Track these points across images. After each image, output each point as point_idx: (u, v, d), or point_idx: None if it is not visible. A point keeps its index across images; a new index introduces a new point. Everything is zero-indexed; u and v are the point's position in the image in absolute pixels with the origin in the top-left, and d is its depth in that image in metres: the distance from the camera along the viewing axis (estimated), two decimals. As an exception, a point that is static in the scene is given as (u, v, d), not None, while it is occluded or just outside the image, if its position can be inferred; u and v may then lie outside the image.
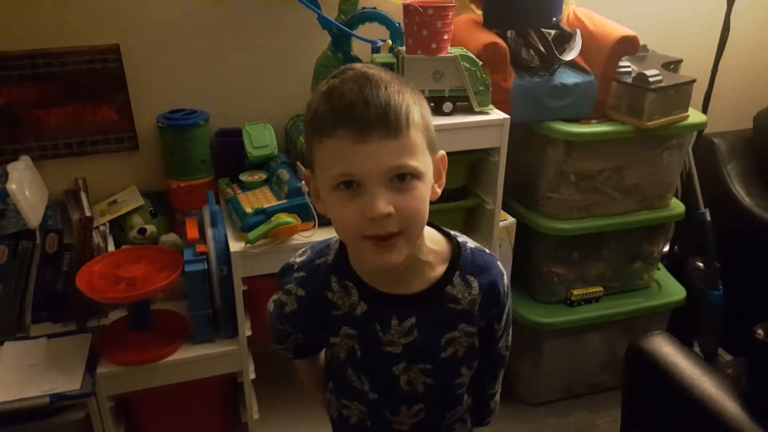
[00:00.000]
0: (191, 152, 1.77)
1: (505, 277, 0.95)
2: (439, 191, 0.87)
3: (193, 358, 1.60)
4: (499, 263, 0.95)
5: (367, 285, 0.90)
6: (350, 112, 0.76)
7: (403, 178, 0.78)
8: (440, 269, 0.91)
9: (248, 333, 1.61)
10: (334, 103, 0.78)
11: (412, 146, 0.78)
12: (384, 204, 0.76)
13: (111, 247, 1.71)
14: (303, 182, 1.59)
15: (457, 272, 0.90)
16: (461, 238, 0.95)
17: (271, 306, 1.01)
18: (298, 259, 0.97)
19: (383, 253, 0.80)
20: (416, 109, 0.79)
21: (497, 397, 1.10)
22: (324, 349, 1.05)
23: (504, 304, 0.95)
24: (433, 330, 0.91)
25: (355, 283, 0.91)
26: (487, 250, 0.96)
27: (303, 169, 0.91)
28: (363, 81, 0.78)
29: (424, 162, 0.80)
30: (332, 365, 0.99)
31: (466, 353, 0.93)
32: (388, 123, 0.76)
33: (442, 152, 0.87)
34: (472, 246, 0.94)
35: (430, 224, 0.90)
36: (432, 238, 0.91)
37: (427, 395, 0.94)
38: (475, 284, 0.91)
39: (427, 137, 0.81)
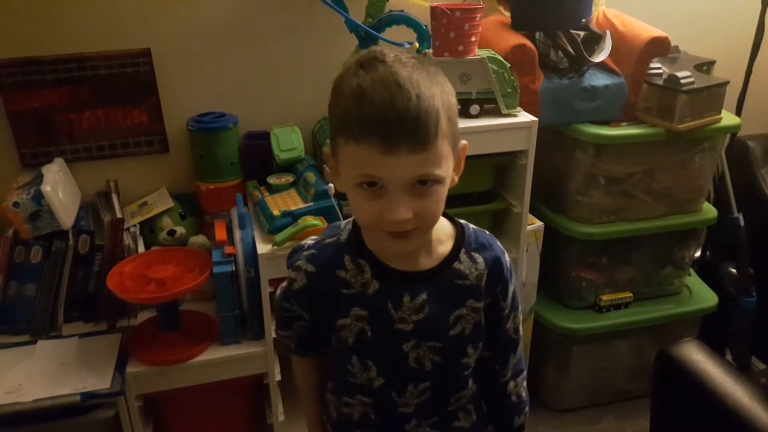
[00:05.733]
0: (220, 155, 1.79)
1: (507, 255, 0.98)
2: (457, 179, 0.88)
3: (220, 359, 1.62)
4: (498, 242, 0.99)
5: (380, 262, 0.92)
6: (380, 123, 0.75)
7: (425, 182, 0.80)
8: (447, 247, 0.94)
9: (275, 335, 1.61)
10: (364, 110, 0.76)
11: (439, 157, 0.79)
12: (404, 210, 0.79)
13: (141, 248, 1.73)
14: (330, 186, 1.60)
15: (463, 249, 0.94)
16: (463, 221, 0.98)
17: (278, 291, 1.02)
18: (309, 242, 0.99)
19: (398, 242, 0.83)
20: (444, 113, 0.79)
21: (523, 394, 1.07)
22: (324, 354, 1.05)
23: (508, 279, 0.97)
24: (443, 307, 0.93)
25: (369, 261, 0.92)
26: (487, 231, 1.00)
27: (325, 147, 0.91)
28: (395, 89, 0.76)
29: (447, 167, 0.82)
30: (336, 355, 0.99)
31: (473, 331, 0.95)
32: (417, 136, 0.76)
33: (464, 142, 0.88)
34: (474, 227, 0.99)
35: None
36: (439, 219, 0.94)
37: (434, 373, 0.95)
38: (480, 260, 0.94)
39: (452, 139, 0.82)
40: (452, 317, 0.93)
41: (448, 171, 0.82)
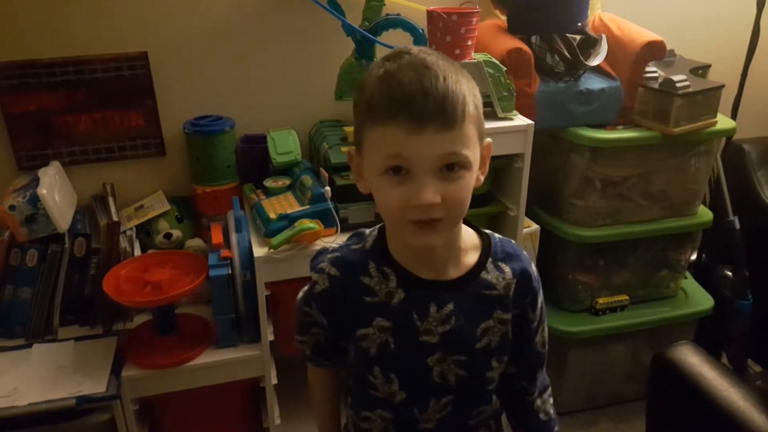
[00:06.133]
0: (217, 158, 1.79)
1: (534, 265, 0.96)
2: (482, 179, 0.87)
3: (216, 362, 1.61)
4: (524, 252, 0.97)
5: (406, 270, 0.90)
6: (408, 102, 0.75)
7: (452, 167, 0.78)
8: (474, 256, 0.92)
9: (271, 338, 1.62)
10: (392, 91, 0.76)
11: (465, 138, 0.78)
12: (432, 193, 0.77)
13: (137, 252, 1.73)
14: (327, 189, 1.60)
15: (490, 259, 0.92)
16: (487, 230, 0.97)
17: (300, 294, 1.00)
18: (333, 245, 0.98)
19: (424, 234, 0.81)
20: (471, 99, 0.79)
21: (551, 411, 1.04)
22: (339, 364, 1.04)
23: (536, 289, 0.95)
24: (470, 318, 0.91)
25: (394, 269, 0.90)
26: (513, 241, 0.98)
27: (348, 148, 0.91)
28: (422, 70, 0.76)
29: (474, 152, 0.80)
30: (357, 367, 0.96)
31: (499, 343, 0.93)
32: (445, 115, 0.75)
33: (489, 140, 0.86)
34: (501, 237, 0.97)
35: None
36: (464, 228, 0.93)
37: (458, 388, 0.93)
38: (508, 270, 0.92)
39: (479, 127, 0.82)
40: (479, 329, 0.91)
41: (475, 157, 0.81)
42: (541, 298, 0.97)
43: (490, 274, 0.91)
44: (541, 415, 1.03)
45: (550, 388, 1.06)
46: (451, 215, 0.81)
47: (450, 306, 0.90)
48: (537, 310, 0.96)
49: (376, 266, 0.91)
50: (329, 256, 0.95)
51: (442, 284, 0.90)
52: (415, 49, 0.81)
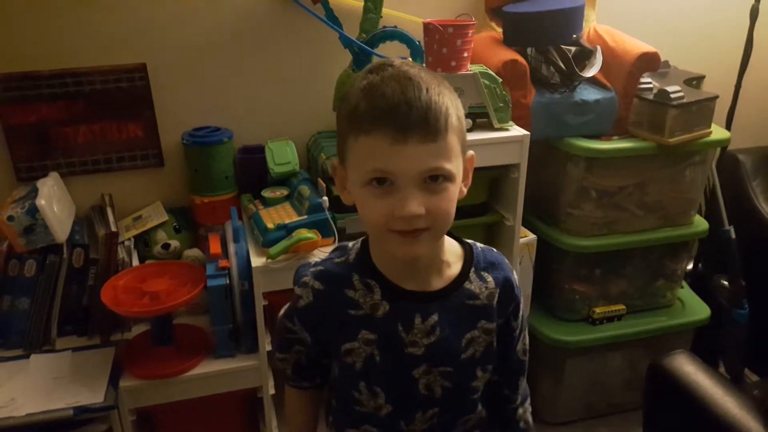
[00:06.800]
0: (215, 169, 1.80)
1: (515, 273, 0.97)
2: (465, 191, 0.87)
3: (214, 372, 1.61)
4: (507, 261, 0.97)
5: (390, 282, 0.90)
6: (392, 113, 0.76)
7: (436, 179, 0.79)
8: (457, 267, 0.92)
9: (269, 348, 1.62)
10: (375, 102, 0.77)
11: (449, 149, 0.79)
12: (416, 205, 0.77)
13: (135, 262, 1.73)
14: (324, 199, 1.61)
15: (473, 269, 0.93)
16: (470, 240, 0.97)
17: (282, 309, 1.00)
18: (316, 259, 0.99)
19: (408, 245, 0.81)
20: (454, 111, 0.80)
21: (530, 419, 1.06)
22: (319, 386, 1.03)
23: (518, 297, 0.96)
24: (454, 329, 0.91)
25: (378, 281, 0.90)
26: (495, 249, 0.98)
27: (332, 160, 0.91)
28: (405, 82, 0.77)
29: (457, 164, 0.81)
30: (341, 384, 0.96)
31: (484, 353, 0.93)
32: (428, 126, 0.76)
33: (471, 152, 0.87)
34: (481, 246, 0.97)
35: None
36: (447, 239, 0.93)
37: (443, 399, 0.93)
38: (490, 279, 0.93)
39: (461, 140, 0.82)
40: (464, 340, 0.92)
41: (458, 169, 0.82)
42: (522, 306, 0.97)
43: (473, 284, 0.92)
44: (521, 424, 1.05)
45: (529, 398, 1.07)
46: (435, 226, 0.81)
47: (434, 317, 0.90)
48: (519, 318, 0.97)
49: (360, 278, 0.91)
50: (312, 269, 0.94)
51: (427, 295, 0.90)
52: (398, 61, 0.83)
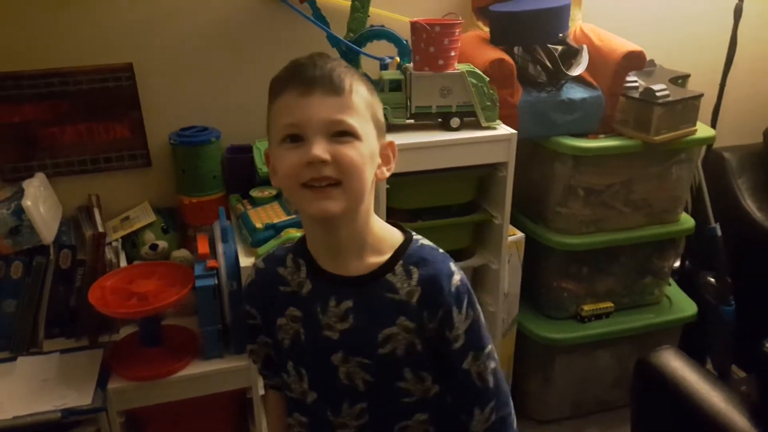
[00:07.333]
0: (203, 169, 1.79)
1: (456, 279, 0.89)
2: (387, 174, 0.91)
3: (202, 373, 1.61)
4: (451, 264, 0.91)
5: (314, 262, 0.92)
6: (298, 70, 0.84)
7: (343, 134, 0.83)
8: (385, 257, 0.91)
9: (258, 348, 1.61)
10: (287, 67, 0.86)
11: (353, 107, 0.84)
12: (321, 150, 0.81)
13: (123, 263, 1.73)
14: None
15: (401, 261, 0.90)
16: (418, 236, 0.95)
17: None
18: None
19: (320, 200, 0.83)
20: (363, 86, 0.86)
21: None
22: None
23: (451, 305, 0.88)
24: (370, 320, 0.89)
25: (306, 261, 0.93)
26: (441, 250, 0.93)
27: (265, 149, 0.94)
28: (319, 54, 0.86)
29: (365, 127, 0.85)
30: (277, 365, 1.00)
31: (407, 352, 0.89)
32: (331, 82, 0.83)
33: (391, 140, 0.92)
34: (427, 243, 0.94)
35: (392, 223, 0.95)
36: (384, 228, 0.93)
37: (369, 394, 0.92)
38: (416, 275, 0.89)
39: (372, 113, 0.87)
40: (381, 335, 0.89)
41: (367, 133, 0.85)
42: (465, 318, 0.89)
43: (396, 277, 0.89)
44: None
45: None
46: (345, 180, 0.83)
47: (348, 303, 0.90)
48: (456, 331, 0.88)
49: (293, 258, 0.95)
50: (267, 254, 1.00)
51: (344, 279, 0.90)
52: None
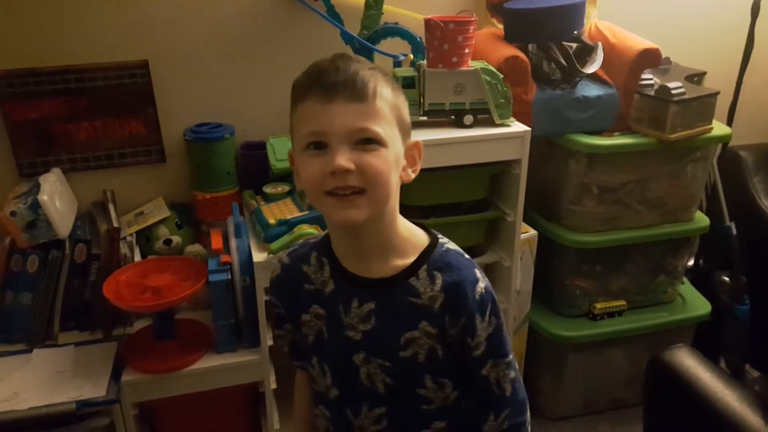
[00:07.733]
0: (217, 165, 1.80)
1: (480, 286, 0.88)
2: (413, 176, 0.90)
3: (215, 367, 1.62)
4: (477, 271, 0.90)
5: (338, 262, 0.92)
6: (320, 76, 0.82)
7: (368, 142, 0.81)
8: (409, 260, 0.90)
9: (270, 343, 1.62)
10: (309, 72, 0.84)
11: (377, 113, 0.82)
12: (345, 159, 0.80)
13: (137, 258, 1.74)
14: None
15: (425, 266, 0.89)
16: (444, 239, 0.93)
17: None
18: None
19: (344, 208, 0.82)
20: (387, 88, 0.84)
21: None
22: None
23: (473, 311, 0.87)
24: (392, 323, 0.89)
25: (330, 260, 0.93)
26: (467, 256, 0.92)
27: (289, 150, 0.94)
28: (340, 55, 0.84)
29: (389, 133, 0.83)
30: (304, 354, 1.00)
31: (428, 358, 0.89)
32: (354, 87, 0.80)
33: (417, 140, 0.90)
34: (452, 247, 0.93)
35: (417, 224, 0.93)
36: (410, 230, 0.93)
37: (389, 398, 0.92)
38: (439, 281, 0.88)
39: (396, 115, 0.85)
40: (403, 338, 0.89)
41: (392, 138, 0.83)
42: (487, 325, 0.89)
43: (419, 281, 0.88)
44: None
45: None
46: (370, 189, 0.82)
47: (371, 305, 0.90)
48: (478, 338, 0.88)
49: (317, 256, 0.95)
50: (290, 248, 1.01)
51: (367, 281, 0.90)
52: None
